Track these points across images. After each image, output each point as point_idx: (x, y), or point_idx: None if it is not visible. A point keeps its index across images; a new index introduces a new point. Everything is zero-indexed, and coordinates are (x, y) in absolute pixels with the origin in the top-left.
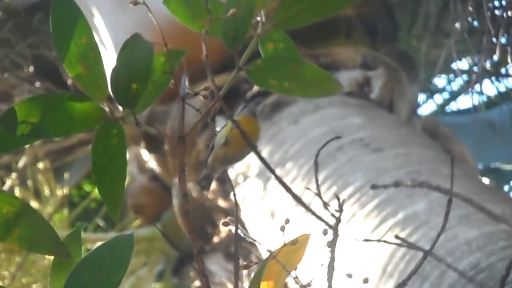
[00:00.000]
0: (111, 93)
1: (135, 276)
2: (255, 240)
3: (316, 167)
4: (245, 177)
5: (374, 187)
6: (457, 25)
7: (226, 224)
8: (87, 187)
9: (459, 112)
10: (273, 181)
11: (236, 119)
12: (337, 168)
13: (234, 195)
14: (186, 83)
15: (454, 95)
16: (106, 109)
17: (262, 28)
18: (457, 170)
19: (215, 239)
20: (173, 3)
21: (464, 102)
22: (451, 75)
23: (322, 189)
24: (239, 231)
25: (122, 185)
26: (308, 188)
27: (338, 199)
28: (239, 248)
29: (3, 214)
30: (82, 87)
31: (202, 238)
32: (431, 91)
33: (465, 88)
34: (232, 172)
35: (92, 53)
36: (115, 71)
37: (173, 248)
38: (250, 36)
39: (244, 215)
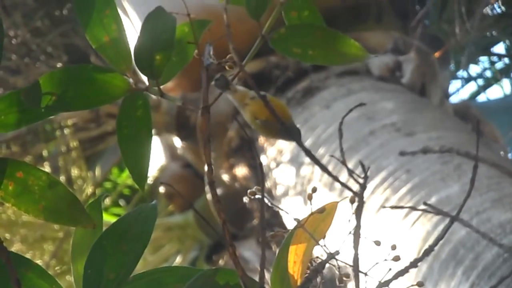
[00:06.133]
0: (135, 66)
1: (169, 263)
2: (280, 209)
3: (341, 135)
4: (277, 163)
5: (402, 153)
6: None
7: (253, 193)
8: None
9: (491, 101)
10: (306, 167)
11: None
12: (369, 153)
13: (260, 164)
14: (211, 53)
15: (487, 82)
16: (131, 80)
17: None
18: (488, 150)
19: (248, 226)
20: None
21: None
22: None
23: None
24: (265, 200)
25: (148, 157)
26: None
27: (363, 165)
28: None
29: (28, 186)
30: (105, 59)
31: (235, 224)
32: (465, 79)
33: (498, 75)
34: (264, 158)
35: (115, 25)
36: (138, 42)
37: (207, 234)
38: (274, 4)
39: (276, 201)
